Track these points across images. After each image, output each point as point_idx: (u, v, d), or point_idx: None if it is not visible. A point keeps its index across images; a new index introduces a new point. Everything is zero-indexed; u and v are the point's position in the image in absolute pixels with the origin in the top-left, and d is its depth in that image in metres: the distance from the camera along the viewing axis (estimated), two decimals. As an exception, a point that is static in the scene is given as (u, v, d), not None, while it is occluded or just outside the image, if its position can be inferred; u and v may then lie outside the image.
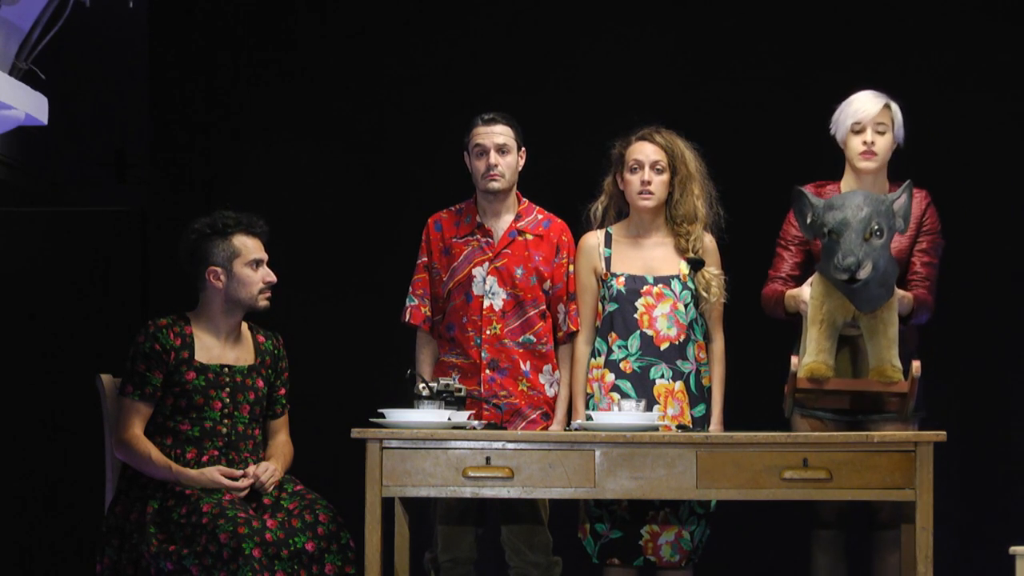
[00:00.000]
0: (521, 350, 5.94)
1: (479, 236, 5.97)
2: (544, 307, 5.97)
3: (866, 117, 5.85)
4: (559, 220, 6.05)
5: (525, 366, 5.94)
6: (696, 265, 5.90)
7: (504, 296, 5.93)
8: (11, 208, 8.30)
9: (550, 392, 5.98)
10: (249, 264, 5.60)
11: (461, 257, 5.96)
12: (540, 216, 6.03)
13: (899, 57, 7.32)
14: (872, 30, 7.36)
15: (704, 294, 5.90)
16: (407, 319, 6.01)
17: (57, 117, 6.81)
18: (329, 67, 7.54)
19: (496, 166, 5.91)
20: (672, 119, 6.02)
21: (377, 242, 7.37)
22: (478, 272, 5.94)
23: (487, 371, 5.91)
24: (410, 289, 6.03)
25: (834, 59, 7.26)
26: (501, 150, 5.92)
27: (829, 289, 5.34)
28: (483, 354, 5.91)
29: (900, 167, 6.23)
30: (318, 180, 7.51)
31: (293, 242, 6.97)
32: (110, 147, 9.47)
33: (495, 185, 5.92)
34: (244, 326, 5.70)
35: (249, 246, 5.62)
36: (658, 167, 5.89)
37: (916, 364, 5.42)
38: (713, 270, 5.94)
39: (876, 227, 5.25)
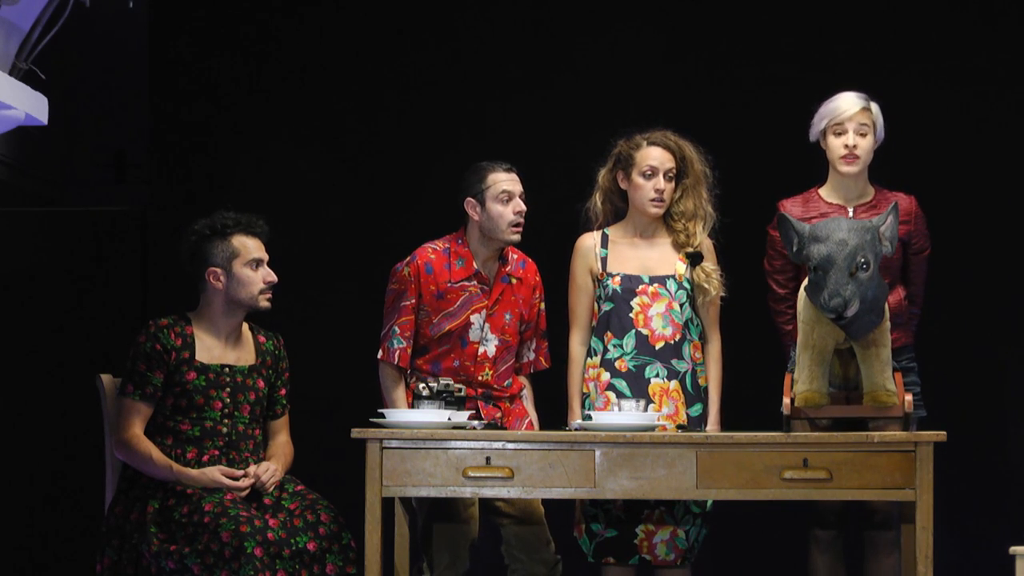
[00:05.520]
0: (508, 393, 5.98)
1: (476, 283, 5.91)
2: None
3: (846, 118, 5.85)
4: (530, 260, 6.04)
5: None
6: (695, 259, 5.90)
7: (496, 342, 5.92)
8: (11, 208, 8.30)
9: (527, 406, 6.05)
10: (249, 264, 5.60)
11: (458, 303, 5.88)
12: (516, 257, 6.00)
13: (899, 58, 7.32)
14: (871, 31, 7.36)
15: (705, 286, 5.90)
16: (395, 360, 5.88)
17: (57, 117, 6.81)
18: (329, 67, 7.54)
19: (522, 213, 5.87)
20: (669, 120, 6.02)
21: (377, 242, 7.37)
22: (476, 319, 5.89)
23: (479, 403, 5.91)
24: (396, 330, 5.88)
25: (833, 59, 7.26)
26: (522, 198, 5.89)
27: (819, 314, 5.33)
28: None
29: (900, 168, 6.24)
30: (318, 180, 7.51)
31: (293, 242, 6.97)
32: (110, 147, 9.48)
33: (519, 238, 5.87)
34: (245, 326, 5.71)
35: (249, 246, 5.62)
36: (670, 174, 5.89)
37: (908, 399, 5.41)
38: (711, 266, 5.95)
39: (862, 260, 5.22)
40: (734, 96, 7.37)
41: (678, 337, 5.89)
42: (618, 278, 5.92)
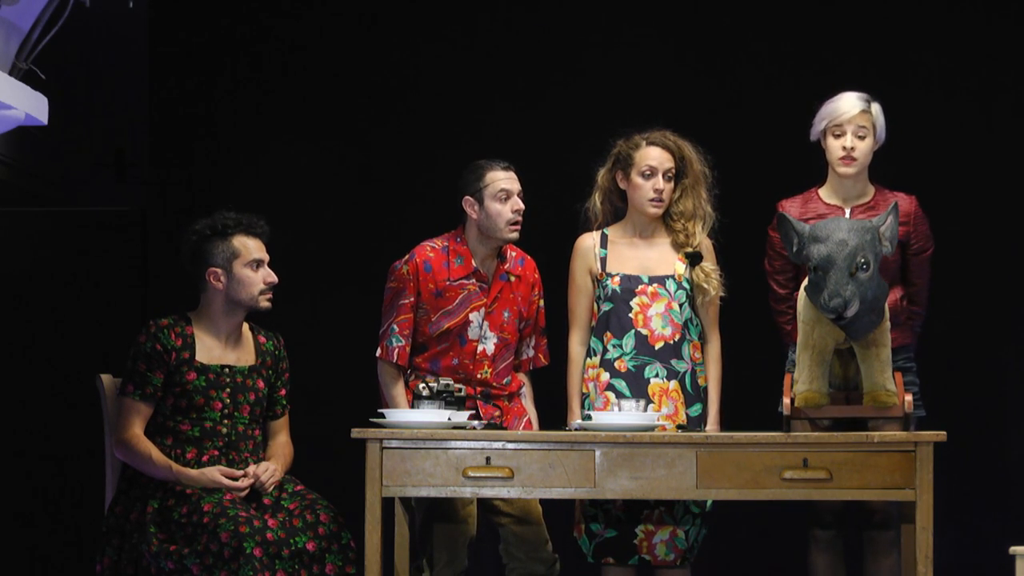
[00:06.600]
0: (507, 391, 5.98)
1: (475, 280, 5.91)
2: None
3: (845, 119, 5.84)
4: (528, 257, 6.04)
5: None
6: (695, 259, 5.91)
7: (495, 340, 5.92)
8: (11, 208, 8.31)
9: (526, 403, 6.05)
10: (249, 265, 5.60)
11: (456, 301, 5.88)
12: (514, 254, 6.00)
13: (900, 58, 7.32)
14: (871, 31, 7.36)
15: (704, 285, 5.90)
16: (394, 359, 5.87)
17: (57, 117, 6.81)
18: (330, 67, 7.54)
19: (521, 211, 5.87)
20: (669, 120, 6.01)
21: (376, 241, 7.37)
22: (474, 317, 5.88)
23: (478, 402, 5.92)
24: (395, 328, 5.87)
25: (833, 59, 7.26)
26: (520, 197, 5.89)
27: (819, 314, 5.33)
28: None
29: (901, 168, 6.23)
30: (318, 180, 7.51)
31: (293, 242, 6.97)
32: (110, 147, 9.48)
33: (518, 236, 5.88)
34: (245, 326, 5.70)
35: (249, 247, 5.62)
36: (669, 175, 5.89)
37: (908, 399, 5.42)
38: (711, 266, 5.95)
39: (862, 261, 5.22)
40: (734, 96, 7.37)
41: (677, 337, 5.89)
42: (617, 278, 5.92)
